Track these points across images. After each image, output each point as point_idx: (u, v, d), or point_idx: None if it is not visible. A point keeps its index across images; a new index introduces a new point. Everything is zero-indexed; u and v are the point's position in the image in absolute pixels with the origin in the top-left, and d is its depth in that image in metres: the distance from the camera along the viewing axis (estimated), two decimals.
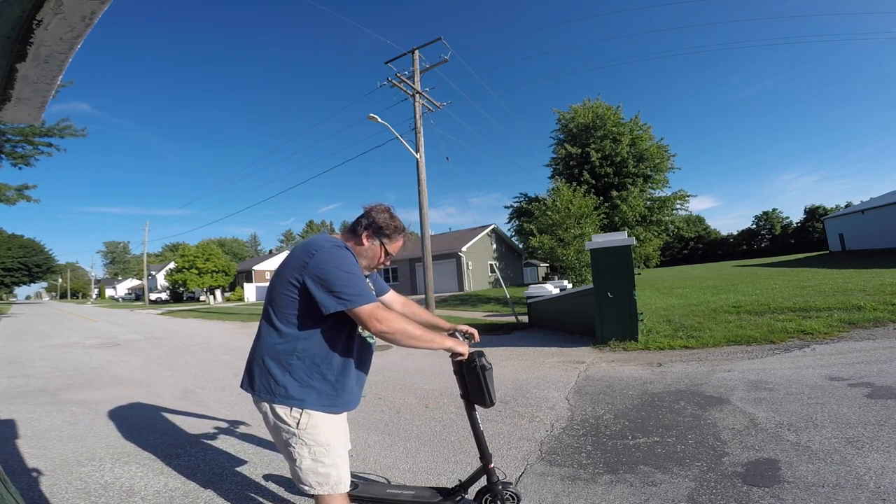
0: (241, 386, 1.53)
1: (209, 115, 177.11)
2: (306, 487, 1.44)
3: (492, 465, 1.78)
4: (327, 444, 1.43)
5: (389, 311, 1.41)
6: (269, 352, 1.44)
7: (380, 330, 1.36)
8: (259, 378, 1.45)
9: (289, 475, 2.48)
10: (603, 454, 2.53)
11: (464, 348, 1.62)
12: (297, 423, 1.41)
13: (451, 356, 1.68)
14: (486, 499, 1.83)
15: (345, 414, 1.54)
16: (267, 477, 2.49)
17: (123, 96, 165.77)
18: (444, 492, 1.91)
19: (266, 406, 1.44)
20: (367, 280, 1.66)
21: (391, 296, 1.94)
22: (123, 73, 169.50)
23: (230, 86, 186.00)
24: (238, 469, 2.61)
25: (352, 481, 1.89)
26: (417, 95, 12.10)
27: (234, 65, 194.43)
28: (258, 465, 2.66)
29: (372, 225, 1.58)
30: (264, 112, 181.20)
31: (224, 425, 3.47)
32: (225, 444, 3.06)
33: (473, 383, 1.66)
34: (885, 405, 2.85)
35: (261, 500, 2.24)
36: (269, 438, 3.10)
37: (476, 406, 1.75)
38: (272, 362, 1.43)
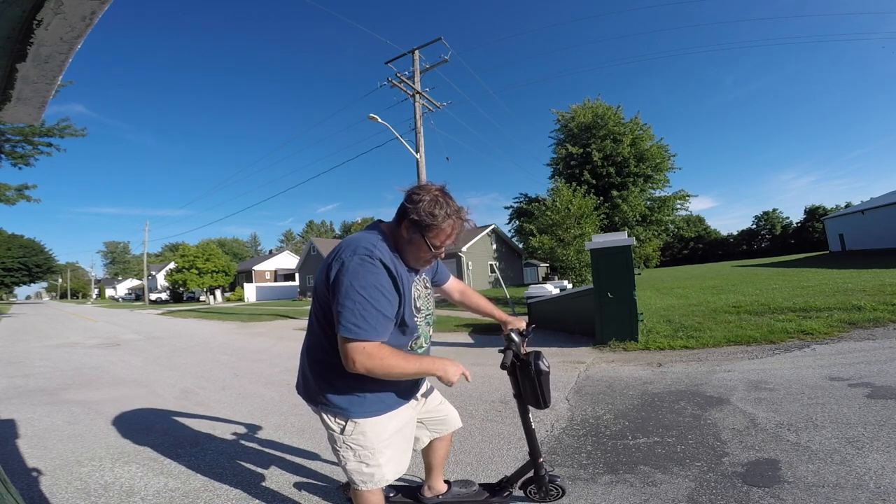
0: (296, 388, 1.55)
1: (208, 116, 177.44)
2: (353, 485, 1.47)
3: (541, 460, 1.80)
4: (372, 447, 1.41)
5: (380, 350, 1.23)
6: (310, 358, 1.44)
7: (355, 371, 1.23)
8: (304, 386, 1.48)
9: (289, 474, 2.50)
10: (603, 454, 2.53)
11: (455, 371, 1.38)
12: (342, 430, 1.41)
13: (503, 349, 1.65)
14: (531, 489, 1.86)
15: (403, 407, 1.50)
16: (267, 477, 2.49)
17: (119, 98, 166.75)
18: (490, 488, 1.92)
19: (314, 409, 1.48)
20: (420, 274, 1.51)
21: (452, 283, 1.86)
22: (119, 75, 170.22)
23: (229, 86, 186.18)
24: (238, 469, 2.61)
25: (392, 486, 1.91)
26: (417, 95, 12.10)
27: (232, 65, 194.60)
28: (258, 465, 2.66)
29: (407, 216, 1.34)
30: (264, 112, 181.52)
31: (224, 425, 3.47)
32: (225, 444, 3.06)
33: (527, 386, 1.64)
34: (885, 405, 2.85)
35: (261, 499, 2.24)
36: (269, 438, 3.11)
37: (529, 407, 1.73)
38: (312, 371, 1.43)
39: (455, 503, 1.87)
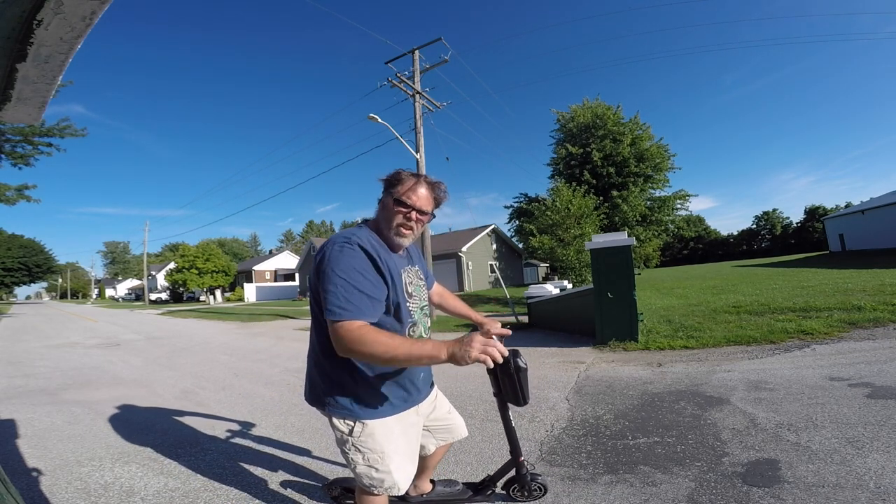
0: (304, 396, 1.52)
1: (208, 116, 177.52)
2: (363, 489, 1.45)
3: (522, 459, 1.81)
4: (381, 451, 1.39)
5: (370, 333, 1.18)
6: (314, 360, 1.43)
7: (342, 353, 1.21)
8: (310, 388, 1.46)
9: (289, 475, 2.50)
10: (603, 454, 2.53)
11: (467, 350, 1.29)
12: (351, 431, 1.39)
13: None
14: (514, 489, 1.88)
15: (410, 411, 1.49)
16: (268, 477, 2.49)
17: (118, 98, 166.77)
18: (473, 487, 1.94)
19: (322, 412, 1.45)
20: (413, 265, 1.56)
21: (435, 287, 1.88)
22: (117, 75, 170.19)
23: (228, 86, 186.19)
24: (238, 469, 2.61)
25: None
26: (417, 95, 12.10)
27: (232, 65, 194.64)
28: (258, 465, 2.66)
29: (383, 186, 1.46)
30: (264, 112, 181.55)
31: (224, 425, 3.47)
32: (225, 444, 3.06)
33: (507, 383, 1.63)
34: (885, 405, 2.85)
35: (261, 499, 2.24)
36: (269, 438, 3.11)
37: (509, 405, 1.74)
38: (317, 372, 1.42)
39: (439, 501, 1.88)
